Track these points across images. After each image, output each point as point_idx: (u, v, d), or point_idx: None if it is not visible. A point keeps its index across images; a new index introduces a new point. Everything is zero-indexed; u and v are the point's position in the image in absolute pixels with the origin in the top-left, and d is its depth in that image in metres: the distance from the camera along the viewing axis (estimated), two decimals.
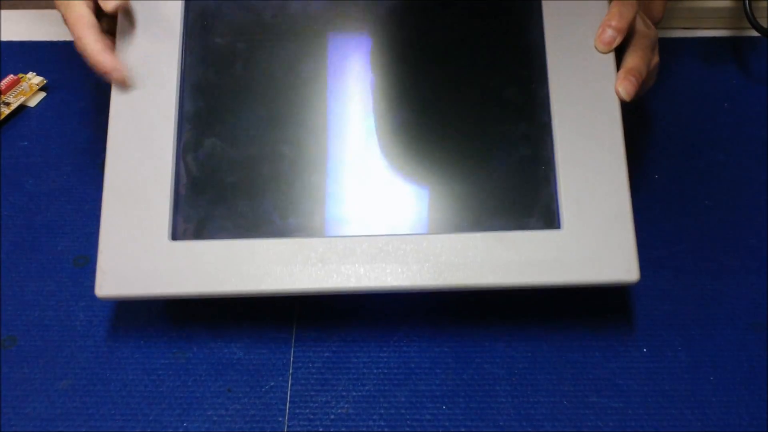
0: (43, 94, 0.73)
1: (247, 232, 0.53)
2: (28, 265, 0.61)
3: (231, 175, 0.55)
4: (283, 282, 0.52)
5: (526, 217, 0.53)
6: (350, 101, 0.57)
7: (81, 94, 0.73)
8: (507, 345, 0.57)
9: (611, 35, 0.56)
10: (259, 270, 0.52)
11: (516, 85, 0.57)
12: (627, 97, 0.55)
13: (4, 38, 0.78)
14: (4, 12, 0.81)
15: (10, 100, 0.72)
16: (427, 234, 0.52)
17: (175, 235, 0.53)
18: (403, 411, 0.54)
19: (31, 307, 0.59)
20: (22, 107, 0.72)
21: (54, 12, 0.82)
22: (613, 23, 0.56)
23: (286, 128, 0.56)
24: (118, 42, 0.58)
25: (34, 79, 0.74)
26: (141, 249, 0.53)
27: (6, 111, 0.71)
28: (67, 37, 0.79)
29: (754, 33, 0.74)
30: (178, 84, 0.56)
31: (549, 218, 0.53)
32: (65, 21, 0.60)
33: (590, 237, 0.52)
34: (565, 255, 0.51)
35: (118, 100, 0.56)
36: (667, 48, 0.76)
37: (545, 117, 0.55)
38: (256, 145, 0.56)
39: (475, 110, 0.56)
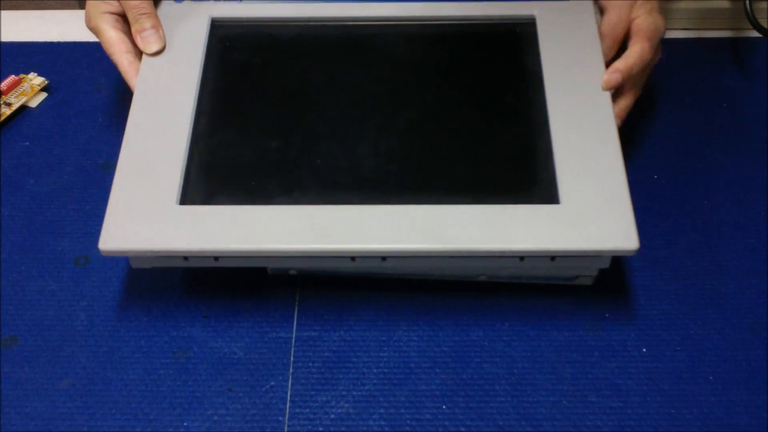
0: (44, 95, 0.74)
1: (253, 200, 0.55)
2: (29, 265, 0.61)
3: (240, 157, 0.58)
4: (286, 241, 0.52)
5: (527, 194, 0.55)
6: (356, 102, 0.61)
7: (82, 95, 0.73)
8: (506, 345, 0.57)
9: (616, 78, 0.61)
10: (262, 231, 0.53)
11: (515, 90, 0.61)
12: (605, 86, 0.60)
13: (5, 39, 0.79)
14: (4, 12, 0.81)
15: (12, 100, 0.72)
16: (433, 205, 0.54)
17: (184, 200, 0.55)
18: (402, 411, 0.54)
19: (32, 307, 0.59)
20: (23, 108, 0.72)
21: (55, 12, 0.82)
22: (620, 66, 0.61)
23: (295, 123, 0.60)
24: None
25: (36, 80, 0.74)
26: (148, 210, 0.54)
27: (7, 111, 0.71)
28: (68, 38, 0.79)
29: (754, 33, 0.75)
30: (198, 85, 0.61)
31: (548, 194, 0.55)
32: (97, 37, 0.65)
33: (589, 210, 0.53)
34: (565, 226, 0.53)
35: (142, 89, 0.61)
36: (667, 48, 0.76)
37: (542, 113, 0.59)
38: (265, 136, 0.59)
39: (477, 109, 0.61)
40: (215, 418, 0.53)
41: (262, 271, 0.60)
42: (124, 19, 0.64)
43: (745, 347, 0.56)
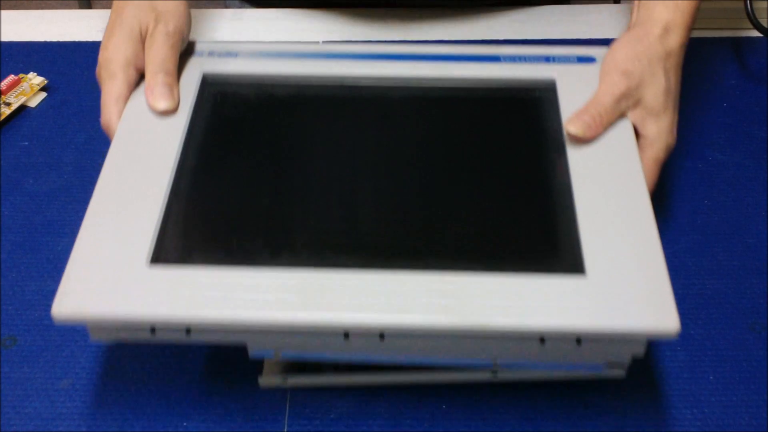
0: (43, 95, 0.74)
1: (233, 261, 0.49)
2: (28, 264, 0.61)
3: (222, 214, 0.53)
4: (270, 309, 0.46)
5: (548, 263, 0.49)
6: (358, 165, 0.56)
7: (81, 95, 0.73)
8: None
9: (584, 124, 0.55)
10: (241, 298, 0.47)
11: (533, 153, 0.56)
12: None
13: (5, 38, 0.79)
14: (4, 12, 0.81)
15: (11, 100, 0.72)
16: (439, 273, 0.48)
17: (156, 260, 0.49)
18: (403, 410, 0.54)
19: (32, 306, 0.59)
20: (22, 107, 0.72)
21: (54, 12, 0.82)
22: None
23: (288, 181, 0.54)
24: (133, 94, 0.59)
25: (35, 80, 0.74)
26: (114, 270, 0.48)
27: (7, 111, 0.71)
28: (68, 38, 0.79)
29: (754, 33, 0.75)
30: (183, 137, 0.56)
31: (572, 263, 0.48)
32: (99, 83, 0.61)
33: (619, 282, 0.47)
34: (592, 301, 0.46)
35: (122, 135, 0.56)
36: None
37: (564, 176, 0.54)
38: (252, 193, 0.54)
39: (490, 172, 0.55)
40: (215, 417, 0.53)
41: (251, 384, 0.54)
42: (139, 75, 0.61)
43: (746, 347, 0.56)
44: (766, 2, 0.75)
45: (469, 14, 0.80)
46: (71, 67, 0.76)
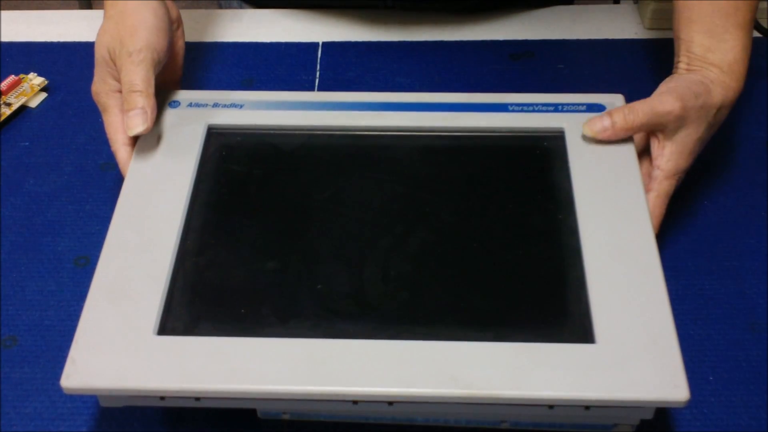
0: (44, 95, 0.74)
1: (243, 331, 0.49)
2: (28, 265, 0.61)
3: (230, 280, 0.52)
4: (279, 381, 0.46)
5: (557, 331, 0.49)
6: (364, 222, 0.55)
7: (82, 95, 0.73)
8: None
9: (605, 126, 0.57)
10: (251, 369, 0.47)
11: (542, 210, 0.55)
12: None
13: (5, 39, 0.79)
14: (4, 12, 0.81)
15: (11, 100, 0.72)
16: (448, 341, 0.48)
17: (163, 330, 0.49)
18: None
19: (32, 307, 0.59)
20: (23, 108, 0.72)
21: (55, 12, 0.82)
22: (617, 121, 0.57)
23: (295, 242, 0.54)
24: (135, 154, 0.58)
25: (35, 80, 0.74)
26: (121, 342, 0.48)
27: (7, 111, 0.71)
28: (68, 38, 0.79)
29: (755, 33, 0.74)
30: (188, 198, 0.56)
31: (582, 332, 0.48)
32: (102, 116, 0.62)
33: (629, 351, 0.47)
34: (602, 370, 0.46)
35: (126, 200, 0.56)
36: (668, 48, 0.76)
37: (574, 237, 0.53)
38: (259, 256, 0.53)
39: (500, 232, 0.55)
40: (213, 421, 0.53)
41: (250, 417, 0.52)
42: None
43: (746, 347, 0.56)
44: (766, 3, 0.75)
45: (470, 16, 0.80)
46: (72, 68, 0.76)
